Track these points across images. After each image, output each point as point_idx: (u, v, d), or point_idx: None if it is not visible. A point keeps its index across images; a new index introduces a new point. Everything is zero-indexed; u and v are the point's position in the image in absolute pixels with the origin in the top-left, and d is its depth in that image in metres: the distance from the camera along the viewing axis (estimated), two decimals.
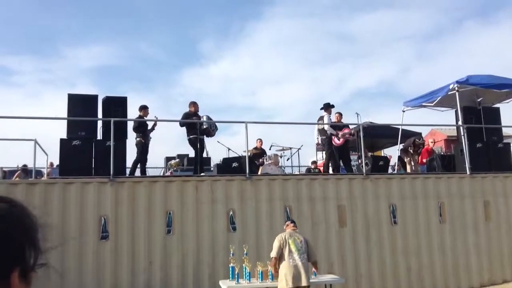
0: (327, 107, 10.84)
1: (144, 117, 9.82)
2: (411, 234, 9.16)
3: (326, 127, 10.84)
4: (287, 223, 6.60)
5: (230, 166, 9.38)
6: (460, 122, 10.75)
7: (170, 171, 12.20)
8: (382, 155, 16.81)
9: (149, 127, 9.91)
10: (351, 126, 11.48)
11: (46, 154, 10.58)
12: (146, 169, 13.80)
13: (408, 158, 12.53)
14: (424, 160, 11.85)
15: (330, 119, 10.85)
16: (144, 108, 9.82)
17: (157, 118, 9.98)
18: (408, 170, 12.35)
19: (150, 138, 9.93)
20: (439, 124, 15.36)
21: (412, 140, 12.60)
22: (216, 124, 10.17)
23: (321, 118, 10.97)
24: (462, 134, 10.38)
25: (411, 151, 12.41)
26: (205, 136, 10.09)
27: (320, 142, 12.17)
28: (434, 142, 12.58)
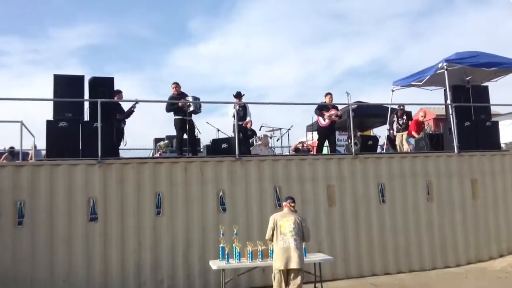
0: (237, 96, 10.76)
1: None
2: (399, 213, 9.25)
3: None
4: (287, 201, 6.50)
5: (220, 147, 9.34)
6: (448, 101, 10.77)
7: (159, 152, 12.13)
8: (372, 134, 16.89)
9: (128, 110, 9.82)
10: (340, 107, 11.45)
11: (33, 136, 10.46)
12: (136, 150, 13.77)
13: (396, 129, 12.43)
14: (413, 133, 11.85)
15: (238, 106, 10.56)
16: (118, 93, 9.68)
17: (137, 100, 9.85)
18: (397, 142, 12.28)
19: (125, 122, 9.85)
20: (427, 103, 15.41)
21: (394, 113, 12.61)
22: (202, 103, 10.08)
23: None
24: (450, 113, 10.41)
25: (396, 120, 12.35)
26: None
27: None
28: (425, 115, 12.48)
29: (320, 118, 10.87)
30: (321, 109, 10.83)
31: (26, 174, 7.66)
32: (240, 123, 10.19)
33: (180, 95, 9.97)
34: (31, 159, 10.79)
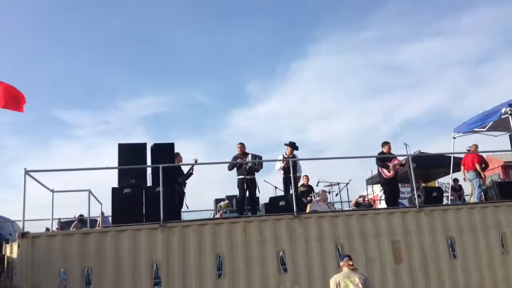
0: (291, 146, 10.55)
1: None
2: (473, 268, 8.66)
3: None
4: (344, 260, 6.30)
5: (278, 205, 9.31)
6: None
7: (220, 213, 12.26)
8: (436, 185, 16.24)
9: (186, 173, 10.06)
10: (400, 158, 11.15)
11: (100, 203, 10.95)
12: (197, 212, 13.97)
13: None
14: (476, 165, 11.31)
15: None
16: (176, 156, 9.98)
17: (196, 161, 10.10)
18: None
19: (186, 184, 10.04)
20: (493, 150, 14.69)
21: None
22: (262, 161, 10.19)
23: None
24: None
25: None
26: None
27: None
28: (475, 148, 11.75)
29: (385, 170, 10.55)
30: (383, 160, 10.56)
31: (93, 241, 7.92)
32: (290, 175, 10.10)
33: (244, 154, 10.19)
34: (99, 226, 11.24)
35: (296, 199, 8.89)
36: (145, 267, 7.92)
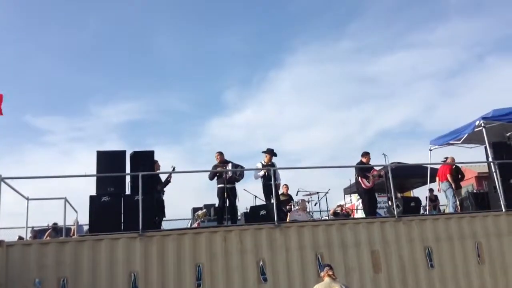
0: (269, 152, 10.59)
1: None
2: (450, 277, 8.78)
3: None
4: (324, 270, 6.31)
5: (258, 215, 9.28)
6: (490, 158, 10.49)
7: (197, 222, 12.15)
8: (412, 195, 16.48)
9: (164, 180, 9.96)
10: (378, 168, 11.29)
11: (76, 212, 10.71)
12: (174, 221, 13.81)
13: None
14: (448, 176, 11.57)
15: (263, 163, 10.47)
16: (154, 163, 9.87)
17: (174, 168, 9.99)
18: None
19: (164, 192, 9.95)
20: (469, 162, 15.05)
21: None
22: (242, 171, 10.16)
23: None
24: (493, 170, 10.10)
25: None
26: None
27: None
28: (451, 160, 11.98)
29: (364, 180, 10.66)
30: (363, 170, 10.67)
31: (69, 250, 7.73)
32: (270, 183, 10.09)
33: (223, 163, 10.13)
34: (73, 234, 10.99)
35: (277, 208, 8.87)
36: (123, 277, 7.77)
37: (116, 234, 8.03)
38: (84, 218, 10.31)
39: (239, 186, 10.36)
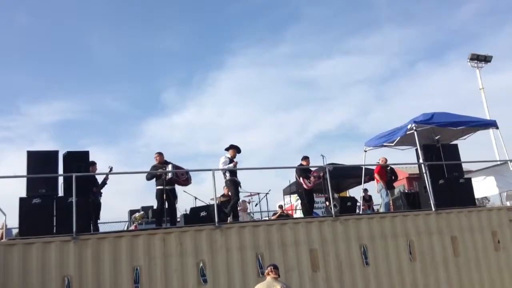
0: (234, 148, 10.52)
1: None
2: (384, 274, 9.12)
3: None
4: (268, 269, 6.33)
5: (198, 216, 9.17)
6: (421, 160, 11.02)
7: (134, 224, 11.82)
8: (347, 195, 17.00)
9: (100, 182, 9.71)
10: (314, 169, 11.59)
11: (4, 215, 10.06)
12: (110, 224, 13.38)
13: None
14: (375, 175, 12.11)
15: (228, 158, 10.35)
16: (92, 165, 9.56)
17: (111, 169, 9.71)
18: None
19: (101, 193, 9.70)
20: (400, 163, 15.74)
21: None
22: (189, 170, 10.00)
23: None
24: (424, 171, 10.62)
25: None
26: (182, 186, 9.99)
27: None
28: (384, 161, 12.47)
29: (306, 181, 10.89)
30: (305, 171, 10.91)
31: None
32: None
33: (163, 164, 9.90)
34: (1, 238, 10.34)
35: (218, 209, 8.81)
36: (55, 282, 7.41)
37: (49, 237, 7.65)
38: (13, 222, 9.74)
39: (177, 187, 10.18)
